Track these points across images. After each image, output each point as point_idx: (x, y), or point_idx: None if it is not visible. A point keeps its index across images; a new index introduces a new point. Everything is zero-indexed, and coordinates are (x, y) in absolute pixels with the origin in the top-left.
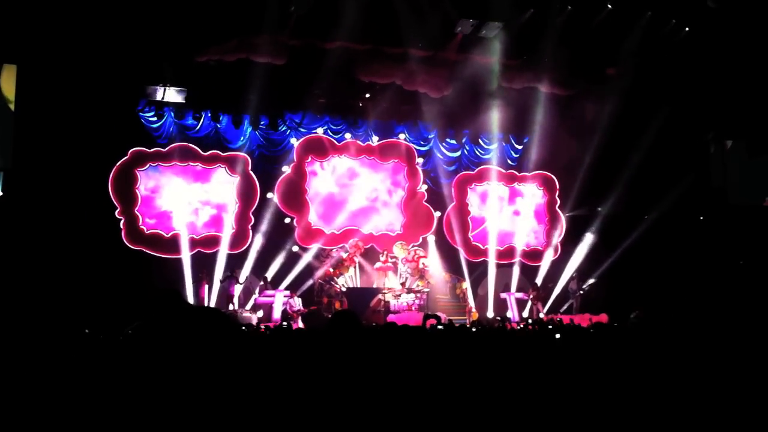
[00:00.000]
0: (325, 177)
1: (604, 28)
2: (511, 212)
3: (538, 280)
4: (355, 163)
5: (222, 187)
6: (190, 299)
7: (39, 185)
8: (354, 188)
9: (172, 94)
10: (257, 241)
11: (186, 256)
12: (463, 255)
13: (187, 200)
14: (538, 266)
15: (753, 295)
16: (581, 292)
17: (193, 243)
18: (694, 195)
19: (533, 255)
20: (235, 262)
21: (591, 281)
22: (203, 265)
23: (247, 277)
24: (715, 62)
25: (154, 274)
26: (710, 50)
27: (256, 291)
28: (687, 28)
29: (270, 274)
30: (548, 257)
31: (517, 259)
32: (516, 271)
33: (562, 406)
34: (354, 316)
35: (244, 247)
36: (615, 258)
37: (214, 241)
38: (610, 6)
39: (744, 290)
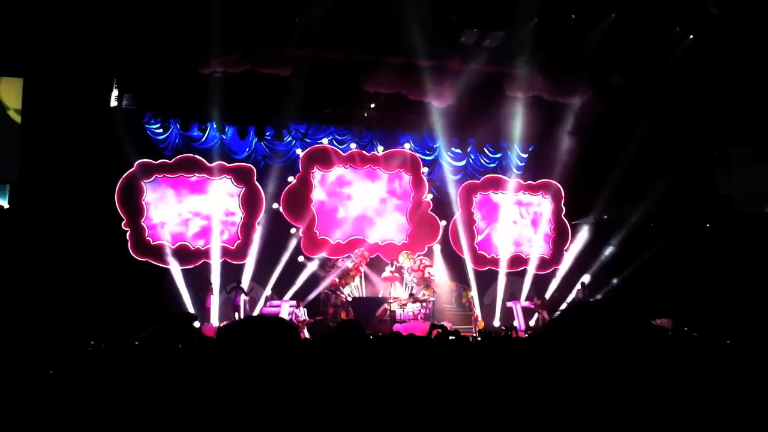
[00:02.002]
0: (316, 186)
1: (609, 37)
2: (517, 221)
3: (545, 289)
4: (345, 172)
5: (216, 198)
6: (191, 309)
7: (45, 198)
8: (343, 197)
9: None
10: (263, 252)
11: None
12: (469, 264)
13: (177, 211)
14: (545, 275)
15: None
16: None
17: (185, 254)
18: (700, 203)
19: (540, 263)
20: (240, 272)
21: (614, 283)
22: (202, 276)
23: (252, 287)
24: (719, 69)
25: (159, 286)
26: (715, 57)
27: (261, 300)
28: (691, 36)
29: (276, 284)
30: (554, 266)
31: (524, 267)
32: (522, 280)
33: (569, 416)
34: (359, 326)
35: (249, 257)
36: (622, 265)
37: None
38: (614, 15)
39: (751, 298)
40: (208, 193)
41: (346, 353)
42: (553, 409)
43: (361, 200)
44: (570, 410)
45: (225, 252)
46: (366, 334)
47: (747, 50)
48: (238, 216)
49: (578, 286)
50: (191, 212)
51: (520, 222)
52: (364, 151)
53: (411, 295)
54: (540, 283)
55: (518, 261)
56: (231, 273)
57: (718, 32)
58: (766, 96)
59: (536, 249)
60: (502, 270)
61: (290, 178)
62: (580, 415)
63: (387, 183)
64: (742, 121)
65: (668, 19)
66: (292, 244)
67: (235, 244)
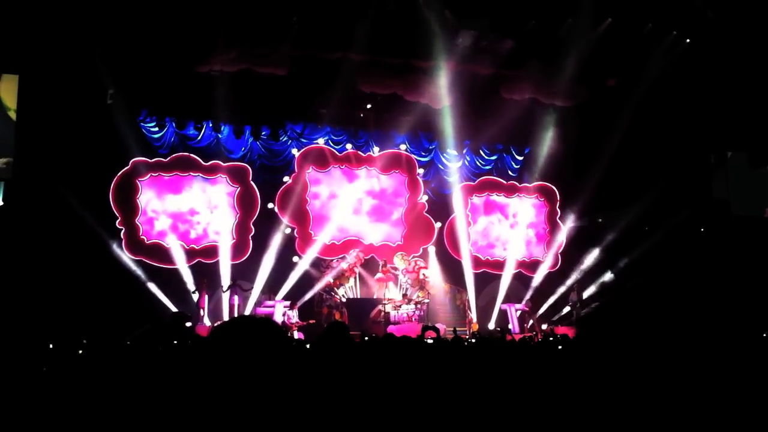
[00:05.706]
0: (310, 186)
1: (606, 40)
2: (511, 223)
3: (542, 291)
4: (328, 172)
5: (188, 196)
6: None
7: (40, 195)
8: (320, 197)
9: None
10: (257, 251)
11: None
12: (463, 266)
13: (145, 209)
14: (543, 278)
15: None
16: (579, 304)
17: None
18: (696, 207)
19: (534, 266)
20: (235, 272)
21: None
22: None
23: (248, 287)
24: (716, 73)
25: (153, 284)
26: (712, 62)
27: (255, 300)
28: (687, 40)
29: (270, 284)
30: (549, 269)
31: (519, 270)
32: (518, 283)
33: (562, 419)
34: (344, 327)
35: (244, 257)
36: (617, 270)
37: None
38: (611, 18)
39: (745, 302)
40: (183, 192)
41: (335, 355)
42: (547, 409)
43: (338, 200)
44: (563, 411)
45: (218, 252)
46: (351, 336)
47: (744, 55)
48: (204, 216)
49: (571, 288)
50: (154, 210)
51: (515, 224)
52: (359, 152)
53: (405, 296)
54: (538, 285)
55: (513, 263)
56: (213, 272)
57: (715, 37)
58: (762, 101)
59: (531, 251)
60: (507, 273)
61: (286, 178)
62: (574, 415)
63: (365, 182)
64: (739, 127)
65: (665, 23)
66: (286, 244)
67: (230, 244)
